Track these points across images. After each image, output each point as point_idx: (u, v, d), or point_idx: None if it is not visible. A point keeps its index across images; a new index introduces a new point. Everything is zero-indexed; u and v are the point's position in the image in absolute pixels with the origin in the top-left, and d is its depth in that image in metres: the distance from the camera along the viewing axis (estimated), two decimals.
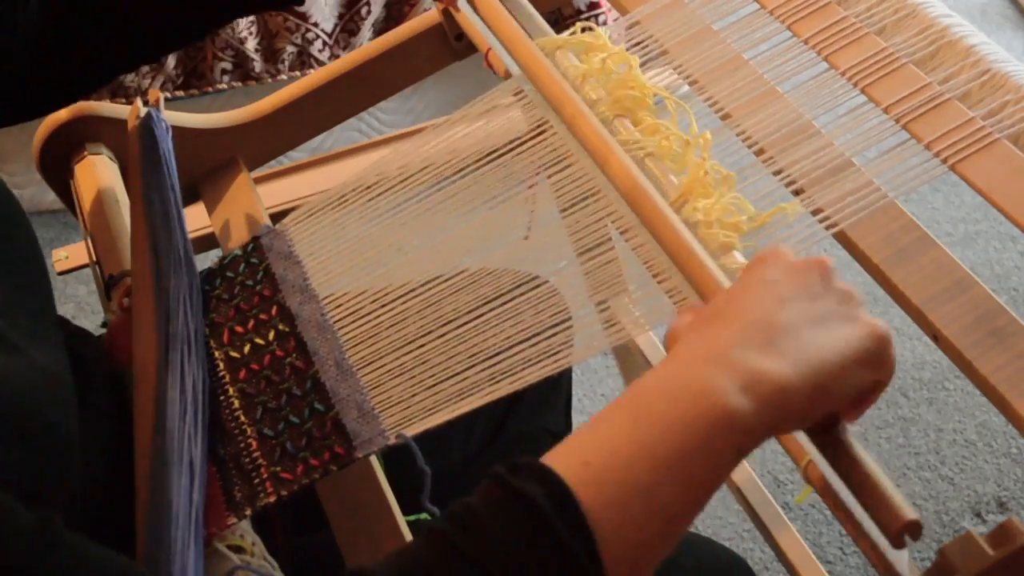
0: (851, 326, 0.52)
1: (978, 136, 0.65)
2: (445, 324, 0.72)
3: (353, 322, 0.75)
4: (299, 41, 1.75)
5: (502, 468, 0.49)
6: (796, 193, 0.69)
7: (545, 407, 1.05)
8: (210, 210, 0.93)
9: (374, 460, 0.73)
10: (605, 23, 1.75)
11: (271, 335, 0.75)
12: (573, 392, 1.15)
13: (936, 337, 0.62)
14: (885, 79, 0.71)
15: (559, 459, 0.50)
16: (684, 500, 0.49)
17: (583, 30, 0.81)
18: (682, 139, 0.71)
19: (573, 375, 1.51)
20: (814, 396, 0.50)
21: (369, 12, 1.76)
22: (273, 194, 1.18)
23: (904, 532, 0.52)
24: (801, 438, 0.57)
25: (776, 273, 0.54)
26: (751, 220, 0.66)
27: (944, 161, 0.65)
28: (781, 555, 1.05)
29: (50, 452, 0.55)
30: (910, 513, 0.52)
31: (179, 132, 0.88)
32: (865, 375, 0.52)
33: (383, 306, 0.74)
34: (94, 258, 0.86)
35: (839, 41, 0.74)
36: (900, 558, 0.55)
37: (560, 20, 1.73)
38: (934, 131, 0.67)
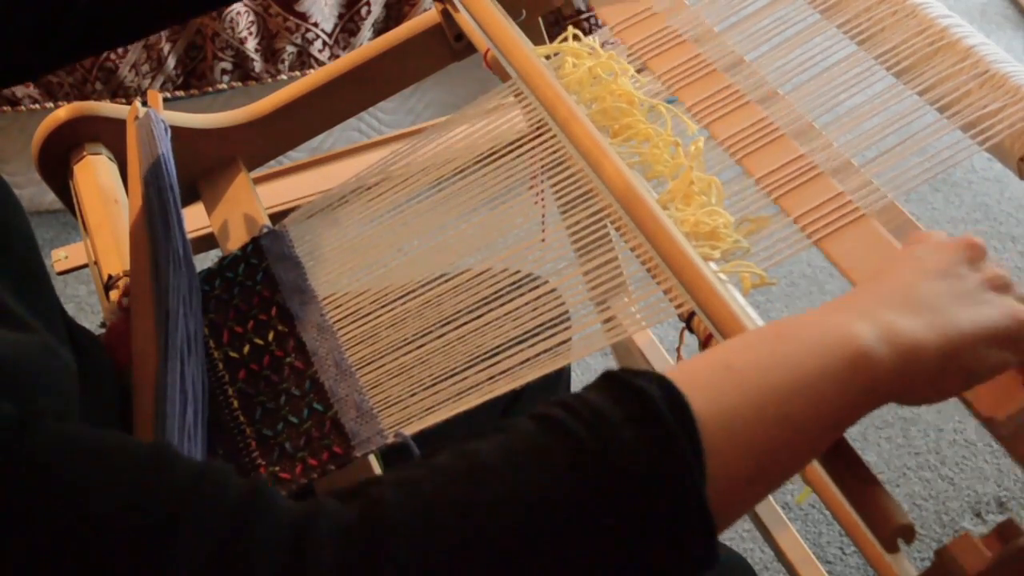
0: (991, 307, 0.54)
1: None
2: (444, 324, 0.72)
3: (352, 322, 0.75)
4: (299, 41, 1.75)
5: (615, 371, 0.50)
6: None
7: None
8: (209, 210, 0.93)
9: (373, 460, 0.73)
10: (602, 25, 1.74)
11: (270, 335, 0.75)
12: (572, 392, 1.15)
13: None
14: None
15: (703, 361, 0.52)
16: (808, 422, 0.50)
17: (574, 36, 0.81)
18: (671, 143, 0.71)
19: (573, 375, 1.51)
20: (945, 363, 0.52)
21: (369, 12, 1.76)
22: (273, 194, 1.18)
23: (896, 536, 0.52)
24: None
25: (924, 250, 0.57)
26: (727, 227, 0.66)
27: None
28: (781, 555, 1.05)
29: None
30: (902, 517, 0.52)
31: (178, 132, 0.88)
32: (1000, 355, 0.54)
33: (382, 306, 0.74)
34: (93, 258, 0.86)
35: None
36: (899, 558, 0.55)
37: (560, 20, 1.73)
38: None
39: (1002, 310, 0.54)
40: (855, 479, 0.55)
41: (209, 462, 0.47)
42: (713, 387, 0.49)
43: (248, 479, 0.46)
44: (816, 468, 0.57)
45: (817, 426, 0.51)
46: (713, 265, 0.64)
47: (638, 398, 0.48)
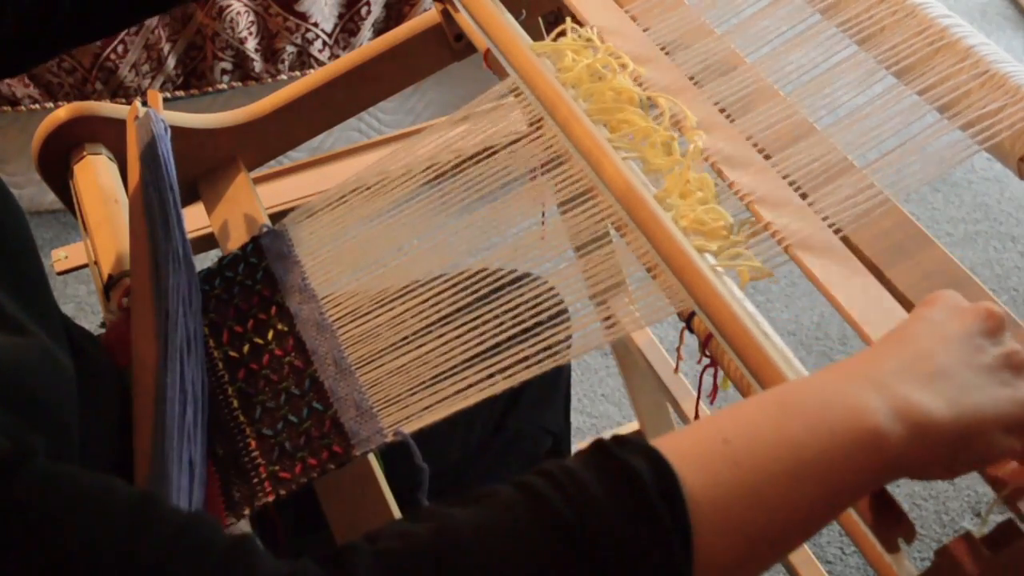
0: (1011, 390, 0.51)
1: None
2: (443, 323, 0.72)
3: (352, 321, 0.75)
4: (299, 41, 1.75)
5: (606, 440, 0.48)
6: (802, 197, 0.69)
7: (544, 407, 1.05)
8: (209, 210, 0.93)
9: (373, 459, 0.73)
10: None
11: (270, 335, 0.75)
12: (572, 392, 1.15)
13: None
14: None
15: (698, 433, 0.49)
16: (809, 505, 0.48)
17: (572, 28, 0.81)
18: (668, 138, 0.71)
19: (572, 375, 1.51)
20: (958, 443, 0.49)
21: (369, 12, 1.76)
22: (273, 194, 1.18)
23: (897, 536, 0.52)
24: None
25: (943, 314, 0.54)
26: (727, 226, 0.66)
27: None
28: None
29: (43, 429, 0.55)
30: (904, 517, 0.52)
31: (178, 132, 0.88)
32: (1009, 442, 0.51)
33: (382, 305, 0.74)
34: (93, 258, 0.86)
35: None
36: (899, 558, 0.55)
37: (561, 18, 1.73)
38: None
39: (1020, 395, 0.51)
40: None
41: (196, 512, 0.47)
42: (707, 464, 0.47)
43: (233, 535, 0.46)
44: None
45: (816, 507, 0.48)
46: (710, 258, 0.64)
47: (625, 475, 0.46)
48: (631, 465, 0.46)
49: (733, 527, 0.47)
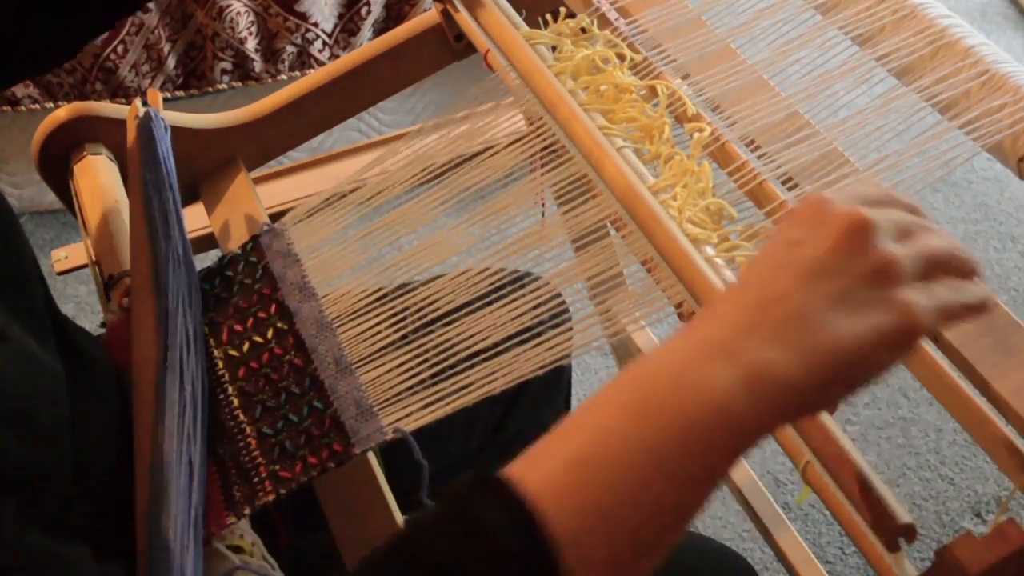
0: (878, 312, 0.46)
1: None
2: (443, 321, 0.72)
3: (352, 319, 0.75)
4: (299, 41, 1.75)
5: (467, 483, 0.47)
6: (791, 189, 0.69)
7: (544, 406, 1.05)
8: (209, 210, 0.93)
9: (373, 460, 0.73)
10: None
11: (270, 333, 0.75)
12: (573, 392, 1.15)
13: (936, 339, 0.62)
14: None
15: (552, 460, 0.48)
16: (678, 500, 0.47)
17: (567, 16, 0.81)
18: (666, 123, 0.71)
19: (573, 375, 1.51)
20: (822, 389, 0.46)
21: (369, 12, 1.76)
22: (273, 194, 1.18)
23: (898, 535, 0.52)
24: (799, 440, 0.57)
25: (803, 232, 0.49)
26: (728, 216, 0.66)
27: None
28: (781, 555, 1.05)
29: (28, 436, 0.55)
30: (904, 516, 0.52)
31: (178, 132, 0.88)
32: (890, 355, 0.47)
33: (382, 303, 0.74)
34: (94, 258, 0.86)
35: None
36: (899, 558, 0.55)
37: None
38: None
39: (888, 314, 0.46)
40: (855, 478, 0.55)
41: None
42: (570, 493, 0.46)
43: None
44: (817, 468, 0.57)
45: (685, 498, 0.47)
46: (710, 250, 0.64)
47: (483, 534, 0.45)
48: (489, 521, 0.45)
49: (605, 539, 0.46)
